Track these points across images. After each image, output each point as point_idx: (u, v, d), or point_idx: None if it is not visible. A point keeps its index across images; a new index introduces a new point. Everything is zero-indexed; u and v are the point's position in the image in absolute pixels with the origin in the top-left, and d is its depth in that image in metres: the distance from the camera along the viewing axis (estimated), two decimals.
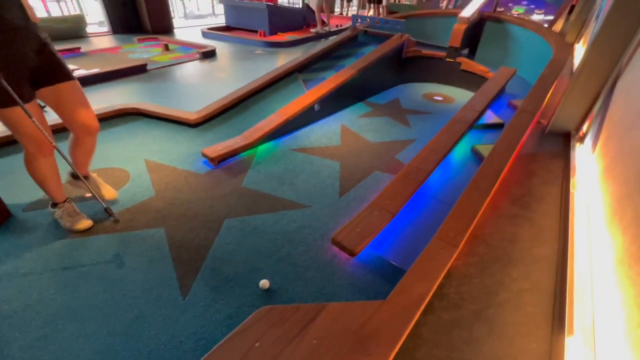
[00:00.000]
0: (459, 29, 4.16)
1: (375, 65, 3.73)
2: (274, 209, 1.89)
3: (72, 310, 1.31)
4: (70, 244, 1.60)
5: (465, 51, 4.81)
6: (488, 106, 2.98)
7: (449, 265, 1.35)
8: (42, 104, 1.49)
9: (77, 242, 1.62)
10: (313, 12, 7.70)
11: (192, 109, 2.91)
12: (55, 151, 1.49)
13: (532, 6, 9.82)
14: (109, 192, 1.85)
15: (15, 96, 1.24)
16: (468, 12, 4.37)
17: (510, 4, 10.25)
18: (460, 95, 4.01)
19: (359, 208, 1.80)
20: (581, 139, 2.39)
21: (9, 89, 1.22)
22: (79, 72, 3.83)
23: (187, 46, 5.73)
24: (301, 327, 1.12)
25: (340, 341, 1.08)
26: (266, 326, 1.12)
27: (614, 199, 1.36)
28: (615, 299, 1.03)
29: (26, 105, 1.30)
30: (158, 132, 2.71)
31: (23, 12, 1.25)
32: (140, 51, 5.40)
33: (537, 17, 8.56)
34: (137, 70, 4.20)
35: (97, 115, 1.57)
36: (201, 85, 3.99)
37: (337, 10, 11.72)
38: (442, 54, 4.30)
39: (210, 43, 5.93)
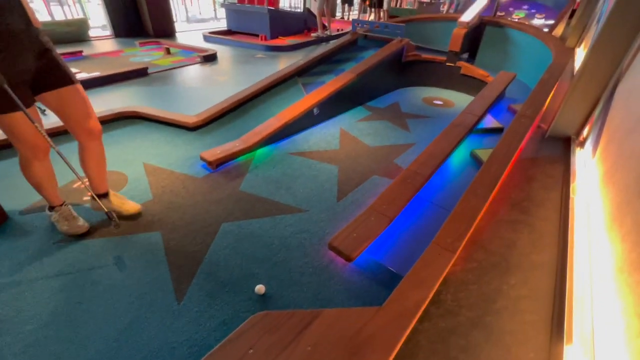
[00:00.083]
0: (459, 33, 4.17)
1: (375, 69, 3.74)
2: (271, 214, 1.88)
3: (66, 314, 1.30)
4: (66, 248, 1.59)
5: (465, 55, 4.82)
6: (487, 110, 2.97)
7: (446, 272, 1.34)
8: (43, 107, 1.50)
9: (73, 245, 1.61)
10: (314, 16, 7.75)
11: (192, 113, 2.92)
12: (57, 155, 1.47)
13: (532, 10, 9.83)
14: (132, 207, 1.79)
15: (19, 102, 1.23)
16: (468, 16, 4.38)
17: (510, 8, 10.27)
18: (460, 100, 4.01)
19: (357, 213, 1.79)
20: (581, 144, 2.37)
21: (14, 96, 1.20)
22: (81, 76, 3.86)
23: (188, 50, 5.77)
24: (296, 333, 1.11)
25: (336, 348, 1.07)
26: (260, 332, 1.10)
27: (614, 204, 1.35)
28: (615, 307, 1.01)
29: (27, 110, 1.29)
30: (157, 135, 2.71)
31: (24, 16, 1.24)
32: (142, 55, 5.43)
33: (537, 21, 8.57)
34: (138, 74, 4.23)
35: (97, 118, 1.56)
36: (201, 88, 4.01)
37: (338, 14, 11.79)
38: (442, 58, 4.31)
39: (211, 47, 5.97)
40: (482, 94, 3.18)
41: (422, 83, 4.46)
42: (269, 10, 6.69)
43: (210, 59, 5.25)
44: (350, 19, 10.11)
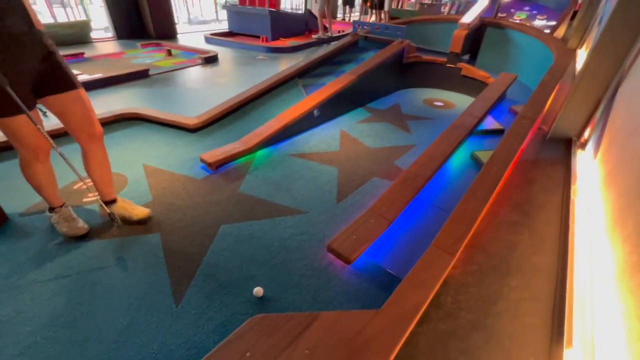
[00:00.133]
0: (460, 34, 4.16)
1: (376, 70, 3.74)
2: (271, 215, 1.87)
3: (65, 316, 1.30)
4: (65, 249, 1.59)
5: (466, 57, 4.81)
6: (488, 112, 2.96)
7: (445, 274, 1.33)
8: (44, 109, 1.50)
9: (73, 247, 1.61)
10: (315, 18, 7.77)
11: (193, 114, 2.93)
12: (57, 156, 1.47)
13: (534, 12, 9.82)
14: (141, 212, 1.77)
15: (23, 106, 1.23)
16: (469, 18, 4.37)
17: (512, 10, 10.25)
18: (461, 101, 4.00)
19: (356, 215, 1.78)
20: (583, 145, 2.36)
21: (17, 99, 1.20)
22: (82, 77, 3.88)
23: (189, 51, 5.79)
24: (294, 336, 1.10)
25: (334, 351, 1.06)
26: (258, 335, 1.10)
27: (615, 207, 1.34)
28: (615, 311, 1.00)
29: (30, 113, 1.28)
30: (157, 137, 2.72)
31: (26, 18, 1.23)
32: (144, 56, 5.45)
33: (539, 22, 8.55)
34: (140, 76, 4.24)
35: (98, 120, 1.56)
36: (202, 90, 4.02)
37: (339, 15, 11.81)
38: (443, 59, 4.30)
39: (212, 48, 5.99)
40: (482, 95, 3.18)
41: (422, 84, 4.45)
42: (270, 11, 6.71)
43: (211, 60, 5.27)
44: (351, 21, 10.13)
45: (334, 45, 4.82)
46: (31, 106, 1.34)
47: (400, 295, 1.23)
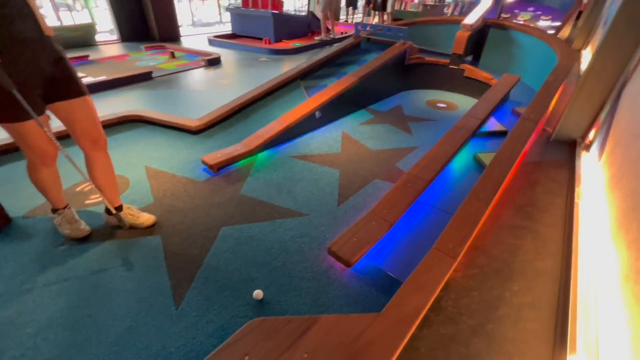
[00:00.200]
0: (462, 36, 4.15)
1: (377, 72, 3.73)
2: (271, 217, 1.87)
3: (65, 318, 1.30)
4: (67, 251, 1.60)
5: (469, 58, 4.79)
6: (491, 114, 2.94)
7: (447, 277, 1.32)
8: (48, 112, 1.50)
9: (75, 249, 1.62)
10: (318, 19, 7.78)
11: (195, 116, 2.94)
12: (62, 157, 1.48)
13: (538, 12, 9.76)
14: (146, 219, 1.77)
15: (31, 111, 1.23)
16: (471, 19, 4.36)
17: (516, 10, 10.21)
18: (463, 102, 3.98)
19: (357, 217, 1.77)
20: (587, 147, 2.33)
21: (26, 105, 1.20)
22: (87, 80, 3.91)
23: (192, 54, 5.82)
24: (293, 339, 1.10)
25: (333, 355, 1.05)
26: (257, 339, 1.09)
27: (620, 210, 1.32)
28: (620, 316, 0.98)
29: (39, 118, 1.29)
30: (160, 139, 2.73)
31: (36, 24, 1.24)
32: (147, 59, 5.50)
33: (543, 23, 8.50)
34: (143, 78, 4.28)
35: (101, 122, 1.56)
36: (205, 92, 4.04)
37: (342, 17, 11.83)
38: (446, 60, 4.29)
39: (216, 50, 6.02)
40: (485, 96, 3.16)
41: (425, 86, 4.44)
42: (273, 14, 6.74)
43: (214, 62, 5.30)
44: (354, 22, 10.14)
45: (336, 47, 4.82)
46: (41, 111, 1.34)
47: (401, 299, 1.22)
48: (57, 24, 6.67)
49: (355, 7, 11.43)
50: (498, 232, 1.58)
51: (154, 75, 4.44)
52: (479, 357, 1.07)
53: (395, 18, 9.39)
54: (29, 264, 1.53)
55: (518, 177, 2.00)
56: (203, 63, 5.21)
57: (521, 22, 6.93)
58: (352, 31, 6.97)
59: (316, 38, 7.40)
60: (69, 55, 1.40)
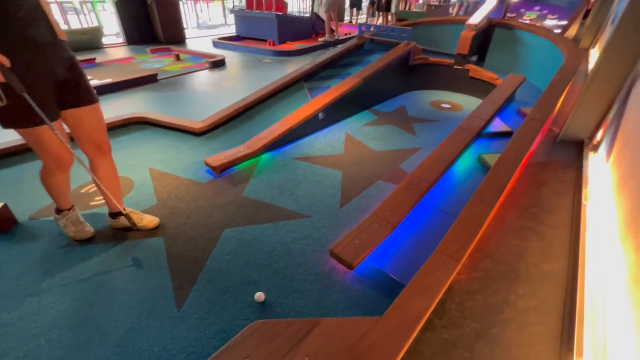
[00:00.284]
0: (467, 36, 4.11)
1: (381, 73, 3.72)
2: (274, 219, 1.87)
3: (69, 319, 1.31)
4: (71, 253, 1.62)
5: (474, 58, 4.75)
6: (496, 114, 2.91)
7: (450, 280, 1.30)
8: None
9: (79, 250, 1.63)
10: (322, 21, 7.79)
11: (199, 118, 2.95)
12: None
13: (544, 11, 9.65)
14: (150, 222, 1.77)
15: (44, 116, 1.23)
16: (476, 19, 4.32)
17: (522, 10, 10.10)
18: (468, 103, 3.94)
19: (360, 219, 1.76)
20: (595, 148, 2.30)
21: (39, 110, 1.20)
22: (93, 82, 3.96)
23: (197, 56, 5.86)
24: (294, 342, 1.09)
25: (334, 358, 1.05)
26: (258, 341, 1.09)
27: (628, 212, 1.29)
28: (628, 321, 0.96)
29: (52, 124, 1.28)
30: (164, 140, 2.75)
31: (51, 28, 1.24)
32: (153, 61, 5.55)
33: (550, 22, 8.40)
34: (148, 80, 4.31)
35: (106, 124, 1.56)
36: (209, 94, 4.06)
37: (346, 18, 11.83)
38: (450, 61, 4.26)
39: (220, 52, 6.05)
40: (490, 97, 3.12)
41: (429, 86, 4.41)
42: (277, 15, 6.77)
43: (218, 64, 5.33)
44: (359, 23, 10.14)
45: (339, 48, 4.82)
46: (55, 117, 1.33)
47: (404, 302, 1.21)
48: (65, 27, 6.77)
49: (359, 8, 11.42)
50: (503, 234, 1.56)
51: (159, 77, 4.47)
52: None
53: (399, 18, 9.37)
54: (33, 265, 1.55)
55: (523, 178, 1.97)
56: (207, 65, 5.24)
57: (527, 22, 6.86)
58: (356, 32, 6.97)
59: (320, 39, 7.40)
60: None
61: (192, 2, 10.11)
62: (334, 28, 7.39)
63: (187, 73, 4.85)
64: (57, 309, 1.35)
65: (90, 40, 6.32)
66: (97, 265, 1.55)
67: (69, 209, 1.70)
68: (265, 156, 2.54)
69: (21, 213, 1.84)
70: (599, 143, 2.28)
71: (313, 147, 2.73)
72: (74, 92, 1.37)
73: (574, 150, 2.32)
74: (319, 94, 3.26)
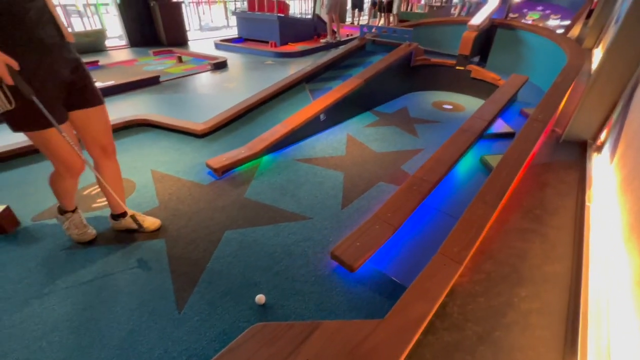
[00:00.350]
0: (469, 36, 4.10)
1: (383, 74, 3.71)
2: (275, 221, 1.87)
3: (70, 322, 1.31)
4: (73, 255, 1.62)
5: (476, 59, 4.74)
6: (498, 115, 2.90)
7: (452, 283, 1.29)
8: None
9: (81, 252, 1.64)
10: (323, 22, 7.80)
11: (201, 120, 2.96)
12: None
13: (547, 11, 9.61)
14: (152, 223, 1.78)
15: (52, 118, 1.22)
16: (478, 19, 4.31)
17: (524, 10, 10.06)
18: (470, 104, 3.93)
19: (361, 220, 1.76)
20: (599, 148, 2.28)
21: (46, 112, 1.20)
22: (96, 85, 3.98)
23: (199, 58, 5.89)
24: (295, 345, 1.09)
25: None
26: (258, 344, 1.08)
27: (632, 213, 1.27)
28: (633, 324, 0.94)
29: (60, 127, 1.28)
30: (166, 142, 2.76)
31: (58, 30, 1.24)
32: (155, 63, 5.58)
33: (553, 22, 8.36)
34: (150, 82, 4.34)
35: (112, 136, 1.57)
36: (211, 95, 4.07)
37: (348, 19, 11.84)
38: (452, 62, 4.25)
39: (222, 54, 6.08)
40: (492, 97, 3.11)
41: (431, 87, 4.40)
42: (278, 17, 6.78)
43: (220, 66, 5.35)
44: (360, 24, 10.15)
45: (341, 49, 4.82)
46: (63, 119, 1.33)
47: (405, 305, 1.20)
48: (69, 29, 6.82)
49: (361, 9, 11.43)
50: (505, 236, 1.55)
51: (161, 79, 4.50)
52: None
53: (401, 19, 9.36)
54: (35, 267, 1.55)
55: (526, 179, 1.96)
56: (210, 67, 5.26)
57: (529, 22, 6.83)
58: (357, 33, 6.97)
59: (322, 41, 7.42)
60: None
61: (195, 4, 10.17)
62: (335, 29, 7.40)
63: (189, 75, 4.87)
64: (59, 311, 1.35)
65: (94, 43, 6.37)
66: (98, 268, 1.55)
67: (73, 211, 1.71)
68: (266, 158, 2.54)
69: (24, 215, 1.85)
70: (603, 144, 2.26)
71: (314, 149, 2.73)
72: (80, 94, 1.37)
73: (577, 151, 2.30)
74: (321, 95, 3.26)
